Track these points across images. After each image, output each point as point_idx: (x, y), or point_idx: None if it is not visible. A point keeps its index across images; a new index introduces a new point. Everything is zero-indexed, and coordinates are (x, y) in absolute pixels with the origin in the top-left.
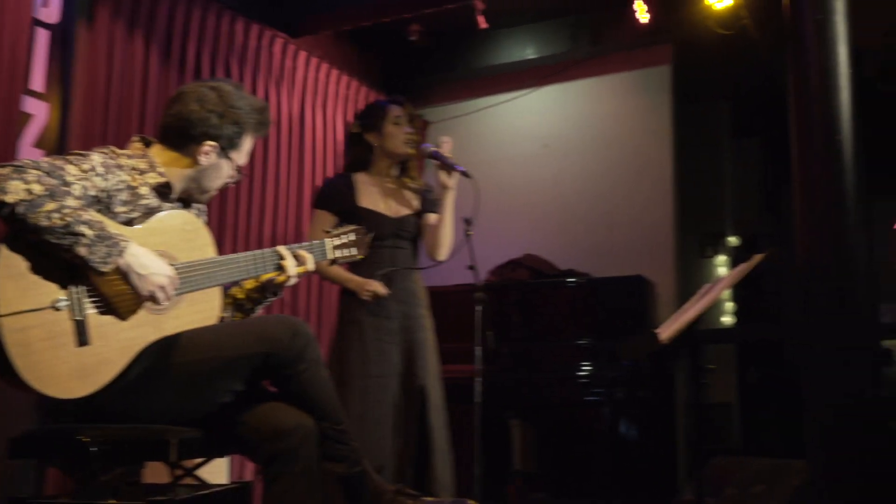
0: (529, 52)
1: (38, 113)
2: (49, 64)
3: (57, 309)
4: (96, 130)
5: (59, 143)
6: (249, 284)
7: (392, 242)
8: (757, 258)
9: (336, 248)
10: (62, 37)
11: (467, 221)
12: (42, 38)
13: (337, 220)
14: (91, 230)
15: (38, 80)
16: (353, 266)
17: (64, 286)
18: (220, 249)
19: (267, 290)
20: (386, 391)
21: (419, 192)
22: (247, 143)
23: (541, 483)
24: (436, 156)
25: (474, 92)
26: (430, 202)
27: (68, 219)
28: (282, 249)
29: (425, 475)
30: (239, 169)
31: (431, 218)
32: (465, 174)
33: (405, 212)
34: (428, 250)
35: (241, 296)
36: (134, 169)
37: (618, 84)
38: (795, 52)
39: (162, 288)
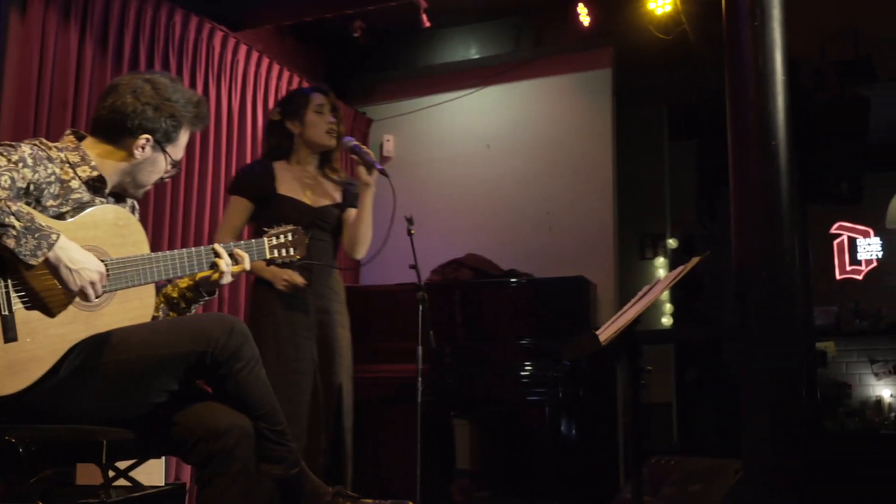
0: (473, 52)
1: None
2: None
3: None
4: (28, 121)
5: None
6: (184, 283)
7: (311, 232)
8: (694, 261)
9: (273, 247)
10: None
11: (409, 220)
12: None
13: (253, 206)
14: (19, 222)
15: None
16: None
17: None
18: (157, 246)
19: (201, 288)
20: (300, 389)
21: (341, 185)
22: (183, 137)
23: (484, 482)
24: (356, 150)
25: (417, 91)
26: (353, 196)
27: None
28: (218, 247)
29: (335, 476)
30: (175, 163)
31: (352, 213)
32: (382, 172)
33: (325, 202)
34: (346, 247)
35: (174, 294)
36: (65, 162)
37: (560, 86)
38: (732, 58)
39: (92, 284)
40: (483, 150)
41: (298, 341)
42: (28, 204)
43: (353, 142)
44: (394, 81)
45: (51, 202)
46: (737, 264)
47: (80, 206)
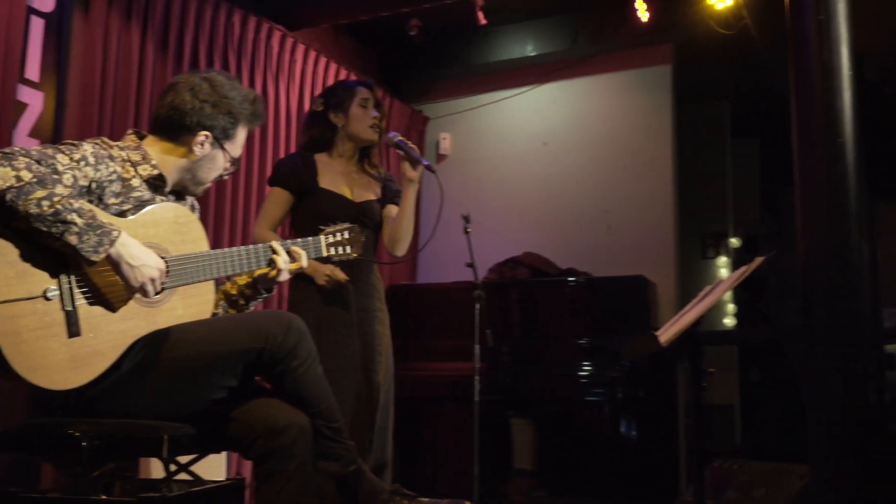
0: (530, 49)
1: (33, 102)
2: (44, 53)
3: (47, 298)
4: (92, 120)
5: (54, 133)
6: (242, 280)
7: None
8: (757, 261)
9: (330, 245)
10: (57, 25)
11: (465, 218)
12: (37, 26)
13: (293, 199)
14: (81, 218)
15: (32, 69)
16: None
17: (55, 275)
18: (217, 244)
19: (259, 285)
20: (340, 387)
21: (380, 181)
22: (241, 135)
23: (541, 481)
24: (401, 145)
25: (474, 88)
26: (393, 192)
27: (58, 206)
28: (275, 245)
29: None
30: (233, 161)
31: (392, 210)
32: (429, 168)
33: (367, 197)
34: (386, 244)
35: (234, 292)
36: (126, 161)
37: (618, 82)
38: (797, 53)
39: (152, 280)
40: (540, 148)
41: (338, 338)
42: (90, 202)
43: (398, 137)
44: (450, 79)
45: (112, 200)
46: (803, 264)
47: (141, 204)
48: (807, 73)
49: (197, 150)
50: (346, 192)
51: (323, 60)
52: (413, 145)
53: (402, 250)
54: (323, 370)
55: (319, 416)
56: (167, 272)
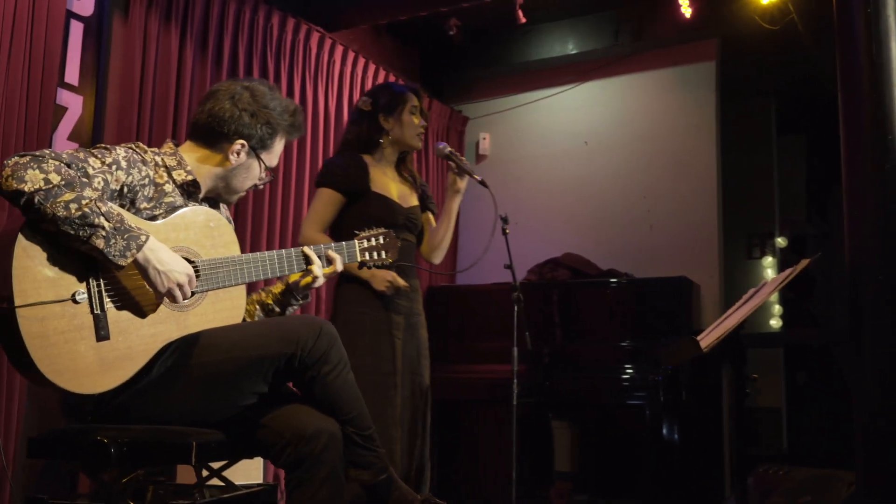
0: (570, 48)
1: (73, 106)
2: (83, 57)
3: (76, 301)
4: (131, 124)
5: (94, 137)
6: (277, 288)
7: (400, 233)
8: (803, 263)
9: (364, 250)
10: (97, 29)
11: (503, 219)
12: (76, 30)
13: (344, 200)
14: (109, 222)
15: (72, 73)
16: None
17: (83, 279)
18: (254, 248)
19: (295, 293)
20: (397, 390)
21: (417, 188)
22: (278, 145)
23: (583, 485)
24: (452, 156)
25: (514, 87)
26: (428, 199)
27: (86, 209)
28: (307, 251)
29: (418, 479)
30: (269, 171)
31: (431, 218)
32: (482, 183)
33: (413, 203)
34: (424, 251)
35: (269, 300)
36: (160, 165)
37: (661, 80)
38: (843, 48)
39: (180, 286)
40: (581, 147)
41: (394, 342)
42: (122, 206)
43: (448, 148)
44: (490, 79)
45: (144, 205)
46: (850, 266)
47: (173, 210)
48: (854, 69)
49: (233, 158)
50: (395, 197)
51: (362, 61)
52: (463, 157)
53: (439, 258)
54: (382, 372)
55: (350, 423)
56: (197, 276)
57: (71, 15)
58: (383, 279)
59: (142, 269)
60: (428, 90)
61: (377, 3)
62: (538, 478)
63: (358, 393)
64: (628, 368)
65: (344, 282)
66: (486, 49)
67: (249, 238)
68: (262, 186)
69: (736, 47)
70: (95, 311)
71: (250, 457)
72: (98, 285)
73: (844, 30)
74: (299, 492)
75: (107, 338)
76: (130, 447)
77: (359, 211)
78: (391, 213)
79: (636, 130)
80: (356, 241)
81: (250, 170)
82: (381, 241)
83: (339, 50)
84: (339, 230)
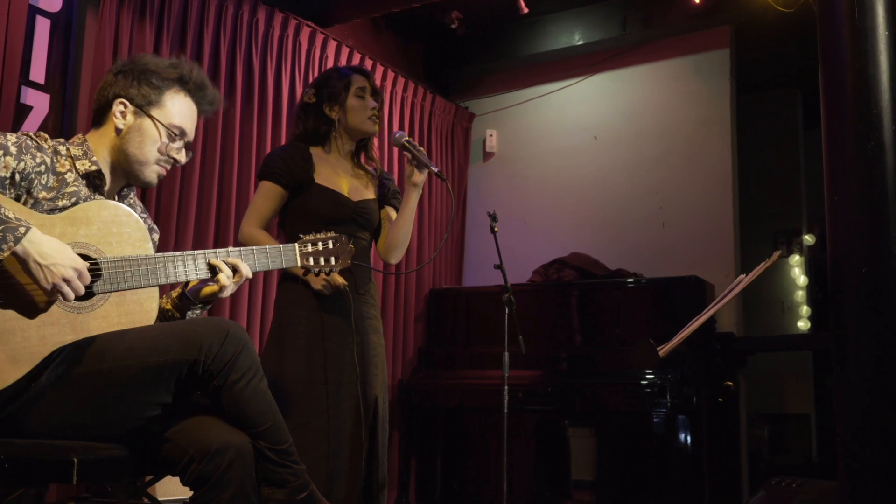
0: (577, 39)
1: (38, 104)
2: (50, 54)
3: None
4: None
5: (61, 135)
6: (176, 292)
7: (346, 229)
8: (774, 257)
9: (306, 255)
10: (65, 26)
11: (492, 216)
12: (42, 27)
13: (286, 194)
14: None
15: (38, 71)
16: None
17: None
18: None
19: (193, 300)
20: (335, 400)
21: (377, 179)
22: (171, 101)
23: (601, 494)
24: (408, 147)
25: (520, 82)
26: (390, 192)
27: None
28: (214, 261)
29: (371, 495)
30: (174, 134)
31: (390, 212)
32: (439, 175)
33: (364, 196)
34: (380, 250)
35: (167, 306)
36: (62, 155)
37: (673, 70)
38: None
39: (67, 281)
40: (590, 142)
41: (332, 347)
42: (18, 196)
43: (405, 137)
44: (496, 73)
45: (43, 194)
46: (830, 258)
47: (78, 202)
48: (835, 35)
49: (118, 122)
50: (343, 190)
51: (357, 57)
52: (421, 147)
53: (395, 258)
54: (315, 381)
55: (262, 437)
56: (100, 276)
57: (36, 11)
58: (319, 278)
59: (22, 262)
60: (433, 86)
61: None
62: (555, 488)
63: (272, 403)
64: (648, 374)
65: (284, 280)
66: (491, 43)
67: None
68: (179, 156)
69: (752, 34)
70: None
71: (157, 474)
72: None
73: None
74: None
75: None
76: (11, 463)
77: (300, 204)
78: (335, 206)
79: (647, 123)
80: (296, 245)
81: (143, 131)
82: (330, 245)
83: (332, 45)
84: (284, 226)
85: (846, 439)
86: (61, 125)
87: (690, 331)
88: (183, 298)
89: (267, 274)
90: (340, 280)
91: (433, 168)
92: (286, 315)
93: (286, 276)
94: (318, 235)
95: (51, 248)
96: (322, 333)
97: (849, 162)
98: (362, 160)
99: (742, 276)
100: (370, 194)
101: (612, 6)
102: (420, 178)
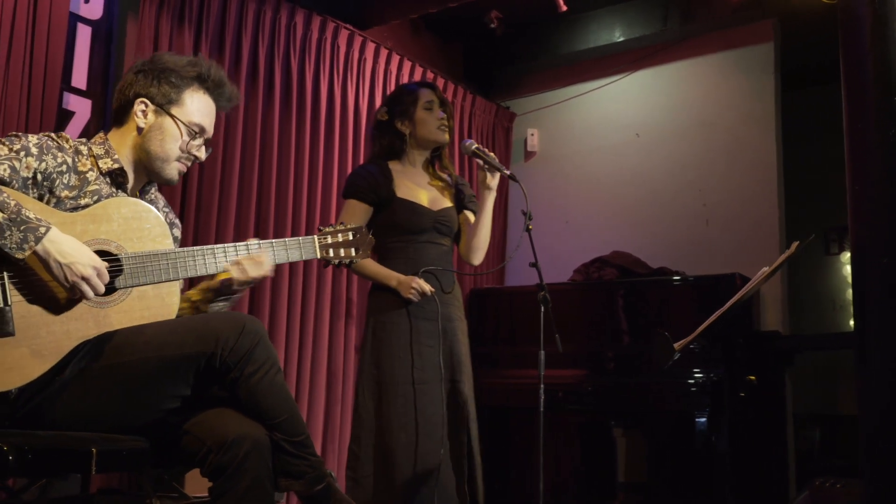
0: (617, 35)
1: (80, 109)
2: (92, 60)
3: None
4: None
5: None
6: (204, 284)
7: (430, 237)
8: (793, 248)
9: (325, 246)
10: (105, 33)
11: (526, 214)
12: (84, 34)
13: (371, 210)
14: (3, 213)
15: (79, 77)
16: (387, 262)
17: None
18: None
19: (221, 290)
20: (431, 399)
21: (453, 186)
22: (190, 99)
23: (648, 496)
24: (479, 153)
25: (561, 80)
26: (466, 197)
27: None
28: (237, 256)
29: (466, 489)
30: (194, 132)
31: (468, 216)
32: (512, 178)
33: (443, 205)
34: (462, 252)
35: (195, 297)
36: (83, 154)
37: (715, 65)
38: None
39: (86, 279)
40: (632, 140)
41: (424, 350)
42: (41, 196)
43: (475, 144)
44: (536, 72)
45: (65, 193)
46: (854, 249)
47: (99, 200)
48: (856, 21)
49: (139, 121)
50: (422, 201)
51: (396, 58)
52: (491, 153)
53: (478, 259)
54: (408, 382)
55: (278, 429)
56: (120, 272)
57: (78, 19)
58: (408, 286)
59: (43, 261)
60: (473, 87)
61: None
62: (600, 490)
63: (288, 396)
64: (696, 373)
65: (374, 290)
66: (531, 41)
67: (271, 235)
68: (199, 153)
69: (797, 27)
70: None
71: (178, 466)
72: (2, 277)
73: None
74: (220, 503)
75: (11, 334)
76: (34, 454)
77: (386, 218)
78: (418, 218)
79: (690, 120)
80: (315, 237)
81: (164, 130)
82: (350, 237)
83: (370, 47)
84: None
85: (868, 438)
86: (103, 129)
87: (707, 324)
88: (207, 291)
89: (291, 269)
90: (427, 287)
91: (505, 171)
92: (377, 322)
93: (376, 286)
94: (339, 227)
95: (70, 247)
96: (410, 337)
97: (870, 150)
98: (437, 169)
99: (764, 268)
100: (448, 202)
101: (652, 2)
102: (493, 181)
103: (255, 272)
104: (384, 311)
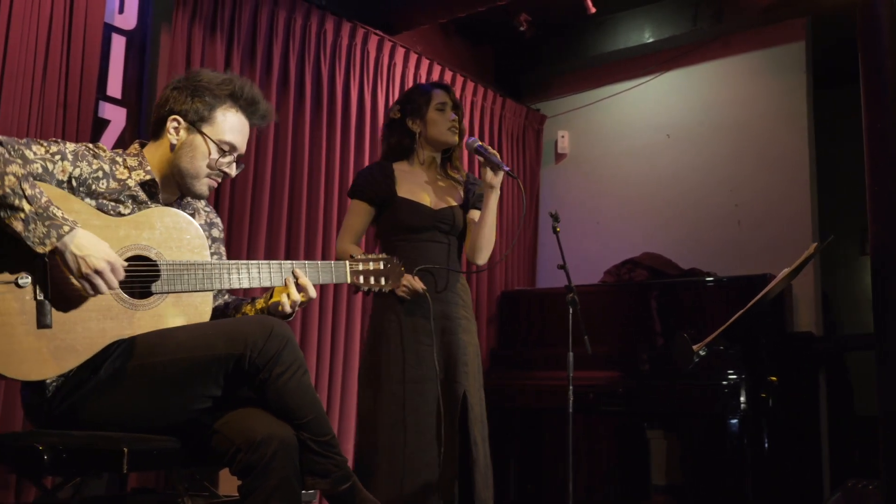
0: (647, 36)
1: (116, 118)
2: (126, 70)
3: (19, 286)
4: None
5: None
6: (259, 305)
7: (429, 235)
8: (812, 248)
9: (356, 273)
10: (140, 42)
11: (553, 216)
12: (118, 44)
13: (373, 210)
14: (31, 205)
15: (114, 86)
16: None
17: (30, 263)
18: (305, 253)
19: (271, 313)
20: (424, 398)
21: (462, 185)
22: (223, 118)
23: (682, 499)
24: (480, 151)
25: (591, 82)
26: (475, 196)
27: (7, 189)
28: (285, 283)
29: (465, 492)
30: (224, 150)
31: (475, 214)
32: (510, 174)
33: (446, 204)
34: (467, 251)
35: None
36: (120, 165)
37: (746, 65)
38: None
39: (99, 272)
40: (663, 141)
41: (420, 348)
42: (80, 198)
43: (478, 142)
44: (566, 74)
45: (104, 193)
46: (872, 252)
47: (139, 208)
48: (874, 21)
49: (172, 138)
50: (424, 200)
51: (426, 63)
52: (494, 150)
53: (482, 258)
54: (404, 381)
55: (305, 429)
56: (158, 277)
57: (112, 29)
58: (401, 285)
59: (60, 254)
60: (503, 90)
61: (431, 3)
62: (634, 491)
63: (315, 396)
64: (731, 374)
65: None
66: (560, 44)
67: (284, 239)
68: (229, 170)
69: (829, 25)
70: (38, 298)
71: (205, 465)
72: (43, 271)
73: None
74: (249, 501)
75: (48, 326)
76: (68, 453)
77: (389, 216)
78: (418, 216)
79: (721, 120)
80: (347, 263)
81: (195, 147)
82: (382, 266)
83: (400, 52)
84: (379, 236)
85: (887, 437)
86: (138, 138)
87: (726, 326)
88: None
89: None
90: (419, 285)
91: (505, 168)
92: (376, 321)
93: None
94: (371, 256)
95: (88, 241)
96: (402, 336)
97: (889, 151)
98: (448, 169)
99: (785, 269)
100: (452, 201)
101: (682, 2)
102: (496, 179)
103: (297, 296)
104: (381, 310)
